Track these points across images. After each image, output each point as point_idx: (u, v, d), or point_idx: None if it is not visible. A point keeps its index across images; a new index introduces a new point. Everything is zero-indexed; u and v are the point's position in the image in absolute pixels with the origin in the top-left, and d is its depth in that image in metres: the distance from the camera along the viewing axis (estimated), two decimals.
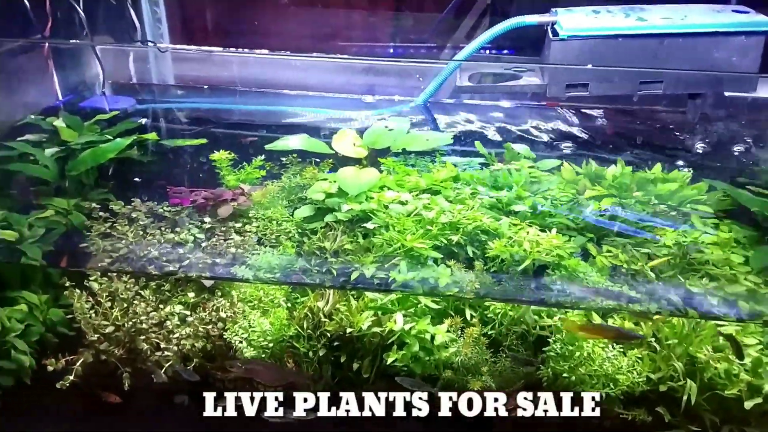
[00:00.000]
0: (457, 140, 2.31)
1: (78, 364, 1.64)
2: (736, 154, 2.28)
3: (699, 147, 2.34)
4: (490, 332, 1.71)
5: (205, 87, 2.74)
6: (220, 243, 1.71)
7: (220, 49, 2.86)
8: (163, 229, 1.75)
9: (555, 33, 2.29)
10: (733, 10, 2.25)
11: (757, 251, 1.66)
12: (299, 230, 1.77)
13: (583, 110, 2.59)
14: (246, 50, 2.76)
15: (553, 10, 2.37)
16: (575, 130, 2.45)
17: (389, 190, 1.86)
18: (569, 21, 2.27)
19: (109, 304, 1.71)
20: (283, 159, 2.04)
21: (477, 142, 2.15)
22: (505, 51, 2.82)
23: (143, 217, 1.78)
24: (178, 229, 1.74)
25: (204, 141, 2.24)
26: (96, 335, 1.66)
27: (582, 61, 2.29)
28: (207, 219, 1.79)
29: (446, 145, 2.16)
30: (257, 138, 2.32)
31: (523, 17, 2.38)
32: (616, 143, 2.42)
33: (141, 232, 1.73)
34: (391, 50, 3.07)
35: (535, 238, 1.63)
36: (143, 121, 2.46)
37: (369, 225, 1.72)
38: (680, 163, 2.11)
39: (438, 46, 2.96)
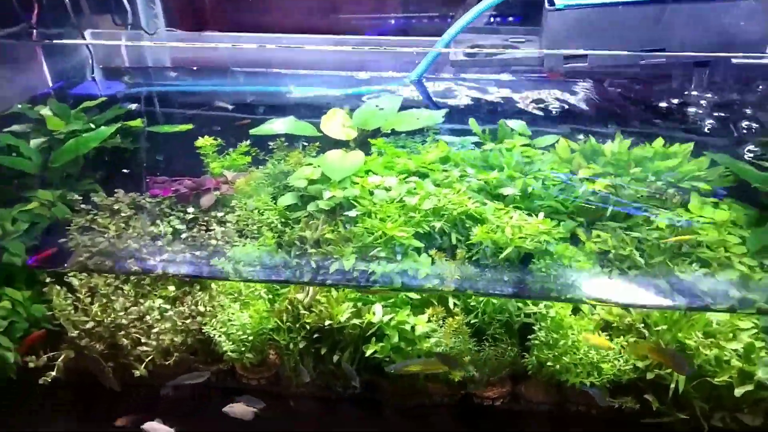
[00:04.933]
0: (451, 117, 2.24)
1: (60, 360, 1.65)
2: (743, 125, 2.17)
3: (704, 118, 2.23)
4: (473, 321, 1.66)
5: (194, 68, 2.69)
6: (201, 235, 1.68)
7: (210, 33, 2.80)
8: (144, 221, 1.72)
9: (551, 2, 2.19)
10: None
11: (755, 232, 1.58)
12: (282, 219, 1.73)
13: (585, 81, 2.49)
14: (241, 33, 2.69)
15: None
16: (577, 103, 2.35)
17: (374, 174, 1.80)
18: None
19: (89, 299, 1.71)
20: (271, 144, 1.99)
21: (471, 120, 2.07)
22: (510, 18, 2.71)
23: (126, 208, 1.76)
24: (158, 222, 1.72)
25: (190, 126, 2.20)
26: (76, 331, 1.66)
27: (579, 31, 2.18)
28: (190, 209, 1.76)
29: (439, 123, 2.09)
30: (250, 120, 2.27)
31: None
32: (617, 116, 2.32)
33: (123, 225, 1.71)
34: (393, 21, 2.98)
35: (519, 223, 1.57)
36: (133, 106, 2.43)
37: (351, 213, 1.67)
38: (683, 136, 2.01)
39: (441, 16, 2.85)
